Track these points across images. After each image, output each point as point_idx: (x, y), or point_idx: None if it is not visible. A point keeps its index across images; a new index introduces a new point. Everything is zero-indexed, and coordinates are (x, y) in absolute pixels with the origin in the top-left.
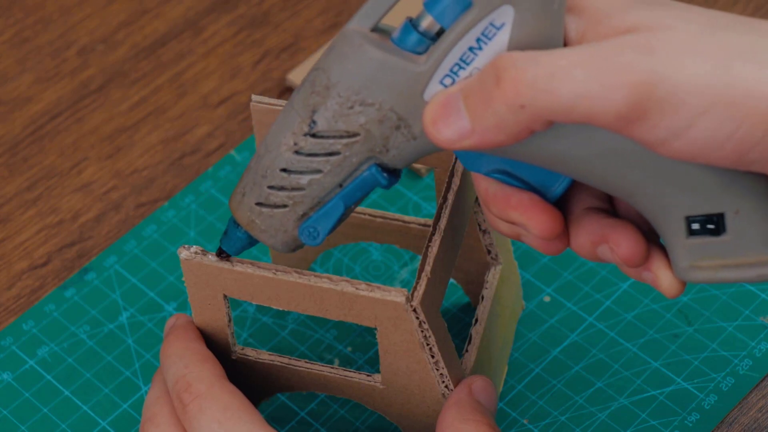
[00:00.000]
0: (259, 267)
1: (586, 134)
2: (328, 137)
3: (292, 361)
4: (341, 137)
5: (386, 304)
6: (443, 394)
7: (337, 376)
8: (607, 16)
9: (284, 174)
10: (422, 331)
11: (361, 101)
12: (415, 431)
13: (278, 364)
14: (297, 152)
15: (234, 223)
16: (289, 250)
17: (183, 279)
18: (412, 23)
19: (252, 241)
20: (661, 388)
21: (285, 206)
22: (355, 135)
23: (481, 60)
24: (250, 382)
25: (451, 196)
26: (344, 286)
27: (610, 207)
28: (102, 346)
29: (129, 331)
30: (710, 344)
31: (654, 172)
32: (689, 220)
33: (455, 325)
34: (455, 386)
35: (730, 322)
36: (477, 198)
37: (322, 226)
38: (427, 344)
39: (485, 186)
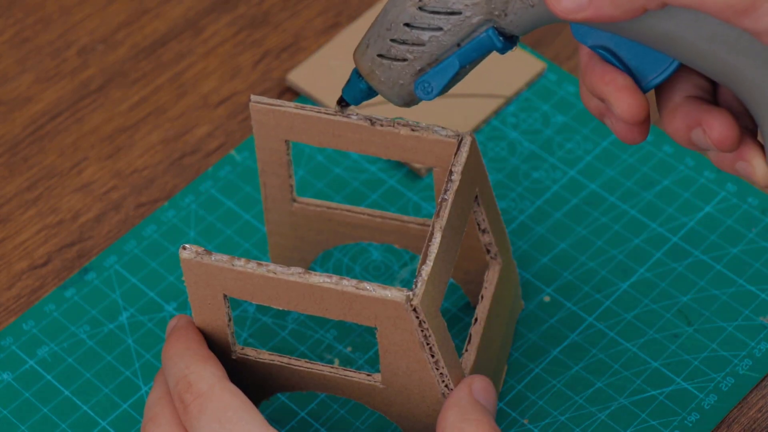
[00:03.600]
0: (259, 266)
1: (695, 18)
2: None
3: (292, 361)
4: None
5: (386, 304)
6: (443, 393)
7: (337, 375)
8: None
9: (407, 28)
10: (422, 331)
11: None
12: (415, 431)
13: (278, 364)
14: (421, 8)
15: (356, 74)
16: (404, 104)
17: (183, 279)
18: None
19: (371, 93)
20: (661, 388)
21: (404, 60)
22: None
23: None
24: (250, 382)
25: (450, 196)
26: (344, 285)
27: (713, 99)
28: (102, 346)
29: (129, 331)
30: (710, 344)
31: (757, 60)
32: None
33: (455, 324)
34: (455, 386)
35: (729, 322)
36: (476, 197)
37: (437, 82)
38: (427, 344)
39: (587, 59)
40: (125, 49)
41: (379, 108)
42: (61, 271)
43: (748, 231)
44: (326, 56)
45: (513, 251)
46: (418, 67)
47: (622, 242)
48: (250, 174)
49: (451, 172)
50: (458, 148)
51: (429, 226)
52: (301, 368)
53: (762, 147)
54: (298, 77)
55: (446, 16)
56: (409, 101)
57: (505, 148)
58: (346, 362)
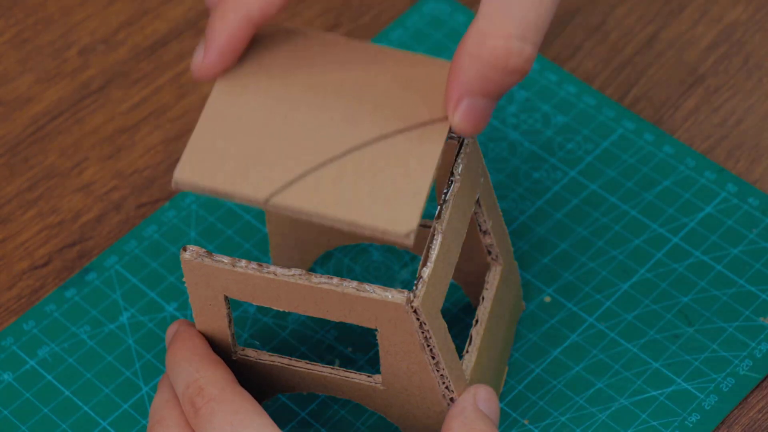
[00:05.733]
0: (259, 268)
1: None
2: None
3: (293, 362)
4: None
5: (387, 306)
6: (444, 395)
7: (338, 376)
8: None
9: None
10: (423, 333)
11: None
12: None
13: (279, 364)
14: None
15: None
16: None
17: (184, 279)
18: None
19: None
20: (662, 388)
21: None
22: None
23: None
24: (251, 382)
25: (451, 198)
26: (345, 287)
27: None
28: (102, 347)
29: (129, 332)
30: (711, 345)
31: None
32: None
33: (455, 325)
34: (456, 388)
35: (730, 322)
36: (477, 199)
37: None
38: (428, 345)
39: None
40: (126, 50)
41: None
42: (61, 271)
43: (749, 231)
44: None
45: (513, 252)
46: None
47: (622, 243)
48: None
49: (452, 174)
50: (459, 150)
51: (430, 227)
52: (302, 369)
53: None
54: None
55: None
56: None
57: (506, 148)
58: (347, 362)
